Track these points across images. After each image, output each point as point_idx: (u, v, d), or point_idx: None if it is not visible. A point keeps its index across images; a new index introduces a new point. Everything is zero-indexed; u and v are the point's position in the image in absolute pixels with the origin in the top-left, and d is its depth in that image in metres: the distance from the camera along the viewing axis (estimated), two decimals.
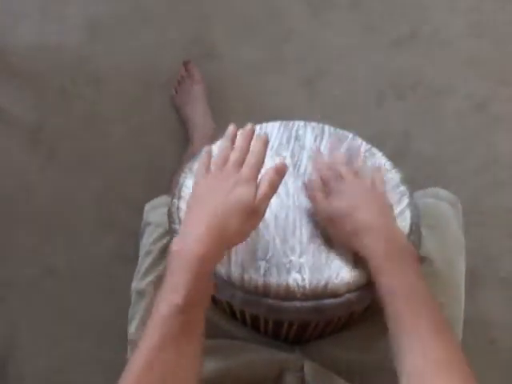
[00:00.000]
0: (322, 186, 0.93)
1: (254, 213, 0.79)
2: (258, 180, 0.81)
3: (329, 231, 0.90)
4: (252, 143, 0.85)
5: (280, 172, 0.83)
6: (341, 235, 0.87)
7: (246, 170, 0.81)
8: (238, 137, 0.87)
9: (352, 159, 1.00)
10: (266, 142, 0.84)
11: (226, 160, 0.84)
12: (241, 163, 0.82)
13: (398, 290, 0.78)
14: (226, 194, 0.78)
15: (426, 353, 0.72)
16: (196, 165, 0.99)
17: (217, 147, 1.02)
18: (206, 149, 0.91)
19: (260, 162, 0.82)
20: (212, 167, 0.85)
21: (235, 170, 0.81)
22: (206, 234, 0.75)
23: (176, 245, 0.76)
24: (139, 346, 0.69)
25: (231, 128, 0.89)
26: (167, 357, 0.68)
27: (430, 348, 0.72)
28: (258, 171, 0.82)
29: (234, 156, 0.83)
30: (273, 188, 0.81)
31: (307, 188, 0.96)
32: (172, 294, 0.71)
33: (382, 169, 1.00)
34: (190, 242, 0.74)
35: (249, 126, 0.88)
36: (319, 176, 0.95)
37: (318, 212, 0.91)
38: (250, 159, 0.82)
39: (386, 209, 0.89)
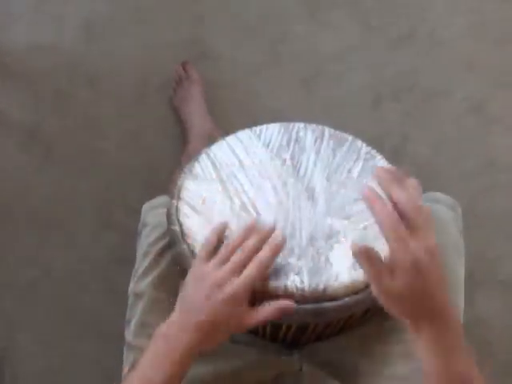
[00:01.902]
0: (384, 261, 0.73)
1: (242, 329, 0.80)
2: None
3: (383, 304, 0.75)
4: (264, 247, 0.81)
5: (286, 311, 0.81)
6: (403, 314, 0.75)
7: (239, 284, 0.78)
8: (252, 235, 0.83)
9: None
10: (277, 252, 0.82)
11: (227, 258, 0.81)
12: (241, 267, 0.79)
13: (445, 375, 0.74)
14: (214, 308, 0.77)
15: None
16: (196, 166, 1.00)
17: (216, 149, 1.02)
18: (215, 229, 0.88)
19: (261, 275, 0.80)
20: (211, 263, 0.81)
21: (231, 274, 0.79)
22: (193, 339, 0.76)
23: (162, 334, 0.78)
24: None
25: (251, 222, 0.87)
26: None
27: None
28: (253, 285, 0.79)
29: (236, 258, 0.80)
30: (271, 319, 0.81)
31: (361, 256, 0.74)
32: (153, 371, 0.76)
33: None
34: (174, 341, 0.76)
35: (269, 226, 0.85)
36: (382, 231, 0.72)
37: (375, 288, 0.74)
38: (252, 270, 0.79)
39: (444, 285, 0.75)
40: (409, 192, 0.73)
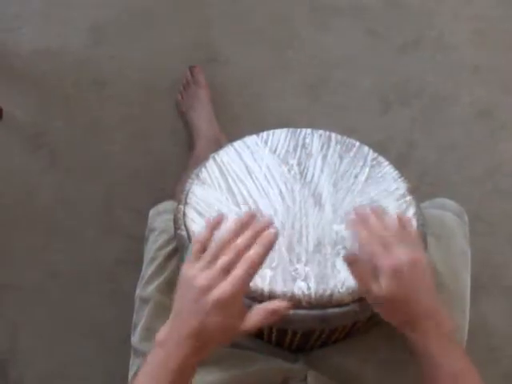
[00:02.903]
0: (370, 266, 0.79)
1: (236, 334, 0.75)
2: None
3: (376, 309, 0.81)
4: (256, 243, 0.74)
5: (278, 314, 0.76)
6: (390, 317, 0.80)
7: (227, 288, 0.71)
8: (244, 230, 0.76)
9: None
10: (269, 248, 0.74)
11: (216, 258, 0.74)
12: (230, 267, 0.72)
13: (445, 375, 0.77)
14: (204, 315, 0.71)
15: None
16: (203, 171, 1.00)
17: (223, 154, 1.02)
18: (203, 233, 0.80)
19: (252, 275, 0.73)
20: (198, 264, 0.75)
21: (219, 276, 0.72)
22: (188, 348, 0.71)
23: (160, 342, 0.74)
24: None
25: (246, 215, 0.78)
26: None
27: None
28: (245, 287, 0.73)
29: (224, 258, 0.73)
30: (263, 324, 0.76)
31: (352, 265, 0.82)
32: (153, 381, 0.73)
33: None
34: (170, 350, 0.72)
35: (263, 222, 0.77)
36: (366, 251, 0.80)
37: (365, 294, 0.81)
38: (241, 270, 0.72)
39: (434, 287, 0.81)
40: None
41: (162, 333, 0.73)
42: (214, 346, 0.73)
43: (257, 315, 0.74)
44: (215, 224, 0.80)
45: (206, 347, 0.72)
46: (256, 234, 0.75)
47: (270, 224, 0.76)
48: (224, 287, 0.71)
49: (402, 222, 0.84)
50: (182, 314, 0.73)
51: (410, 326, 0.78)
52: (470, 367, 0.78)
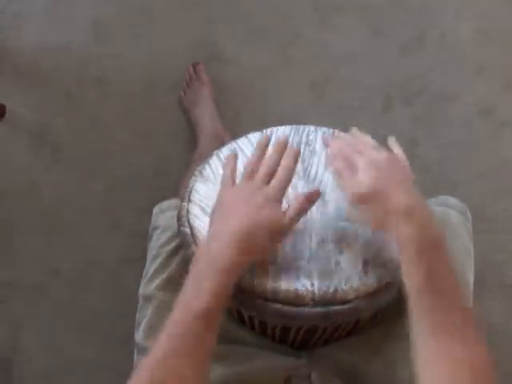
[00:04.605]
0: (345, 162, 0.84)
1: (279, 233, 0.81)
2: (286, 203, 0.83)
3: (358, 210, 0.84)
4: (283, 157, 0.85)
5: (311, 200, 0.85)
6: (373, 214, 0.80)
7: (275, 186, 0.82)
8: (270, 148, 0.88)
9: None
10: (297, 158, 0.85)
11: (254, 171, 0.84)
12: (270, 176, 0.83)
13: (427, 288, 0.73)
14: (255, 210, 0.79)
15: (452, 358, 0.71)
16: (207, 168, 1.00)
17: (226, 151, 1.02)
18: (228, 157, 0.91)
19: (289, 179, 0.84)
20: (241, 178, 0.85)
21: (264, 183, 0.82)
22: (234, 247, 0.76)
23: (202, 252, 0.77)
24: (154, 347, 0.71)
25: (263, 138, 0.90)
26: (182, 359, 0.70)
27: (456, 351, 0.71)
28: (286, 188, 0.83)
29: (263, 169, 0.84)
30: (301, 214, 0.84)
31: (329, 163, 0.89)
32: (194, 300, 0.73)
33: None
34: (216, 251, 0.76)
35: (282, 139, 0.88)
36: (338, 151, 0.87)
37: (345, 190, 0.83)
38: (280, 175, 0.83)
39: (412, 185, 0.81)
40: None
41: (202, 246, 0.81)
42: (259, 247, 0.78)
43: (295, 207, 0.82)
44: (234, 157, 0.91)
45: (250, 248, 0.77)
46: (280, 150, 0.86)
47: (286, 140, 0.88)
48: (273, 186, 0.82)
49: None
50: (229, 219, 0.79)
51: (392, 220, 0.76)
52: (452, 277, 0.75)
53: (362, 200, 0.80)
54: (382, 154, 0.83)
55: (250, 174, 0.84)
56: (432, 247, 0.74)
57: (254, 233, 0.77)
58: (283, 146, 0.87)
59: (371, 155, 0.82)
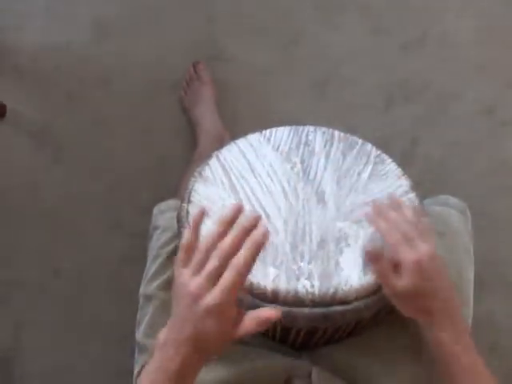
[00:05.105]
0: (389, 259, 0.81)
1: (228, 338, 0.72)
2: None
3: (395, 303, 0.83)
4: (244, 246, 0.70)
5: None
6: (408, 311, 0.83)
7: (217, 294, 0.69)
8: (230, 231, 0.72)
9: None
10: (258, 251, 0.70)
11: (203, 263, 0.71)
12: (218, 274, 0.70)
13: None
14: (200, 319, 0.69)
15: None
16: (206, 169, 1.00)
17: (225, 152, 1.02)
18: (186, 237, 0.75)
19: (242, 280, 0.70)
20: (187, 270, 0.72)
21: (210, 283, 0.70)
22: (184, 352, 0.71)
23: (160, 341, 0.73)
24: None
25: (232, 209, 0.74)
26: None
27: None
28: (235, 292, 0.70)
29: (210, 265, 0.70)
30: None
31: (370, 258, 0.84)
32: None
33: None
34: (167, 357, 0.72)
35: (251, 219, 0.72)
36: (389, 244, 0.83)
37: (385, 287, 0.83)
38: (230, 276, 0.69)
39: (451, 284, 0.84)
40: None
41: (161, 336, 0.73)
42: (212, 349, 0.72)
43: (250, 323, 0.72)
44: (198, 222, 0.77)
45: (204, 350, 0.71)
46: (244, 232, 0.71)
47: (257, 220, 0.72)
48: (214, 294, 0.68)
49: (417, 213, 0.86)
50: (178, 319, 0.71)
51: (427, 318, 0.81)
52: (483, 363, 0.81)
53: (398, 298, 0.82)
54: (427, 249, 0.80)
55: (199, 265, 0.71)
56: (461, 346, 0.81)
57: (202, 340, 0.70)
58: (247, 228, 0.71)
59: (418, 251, 0.80)
